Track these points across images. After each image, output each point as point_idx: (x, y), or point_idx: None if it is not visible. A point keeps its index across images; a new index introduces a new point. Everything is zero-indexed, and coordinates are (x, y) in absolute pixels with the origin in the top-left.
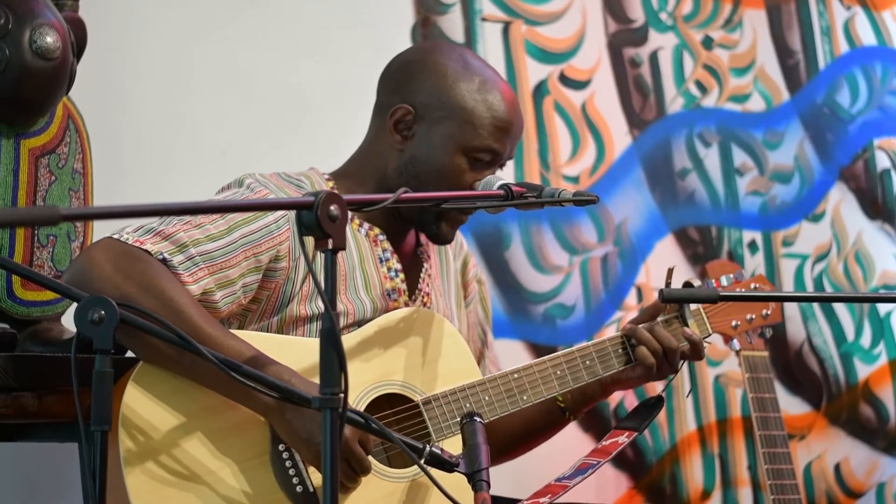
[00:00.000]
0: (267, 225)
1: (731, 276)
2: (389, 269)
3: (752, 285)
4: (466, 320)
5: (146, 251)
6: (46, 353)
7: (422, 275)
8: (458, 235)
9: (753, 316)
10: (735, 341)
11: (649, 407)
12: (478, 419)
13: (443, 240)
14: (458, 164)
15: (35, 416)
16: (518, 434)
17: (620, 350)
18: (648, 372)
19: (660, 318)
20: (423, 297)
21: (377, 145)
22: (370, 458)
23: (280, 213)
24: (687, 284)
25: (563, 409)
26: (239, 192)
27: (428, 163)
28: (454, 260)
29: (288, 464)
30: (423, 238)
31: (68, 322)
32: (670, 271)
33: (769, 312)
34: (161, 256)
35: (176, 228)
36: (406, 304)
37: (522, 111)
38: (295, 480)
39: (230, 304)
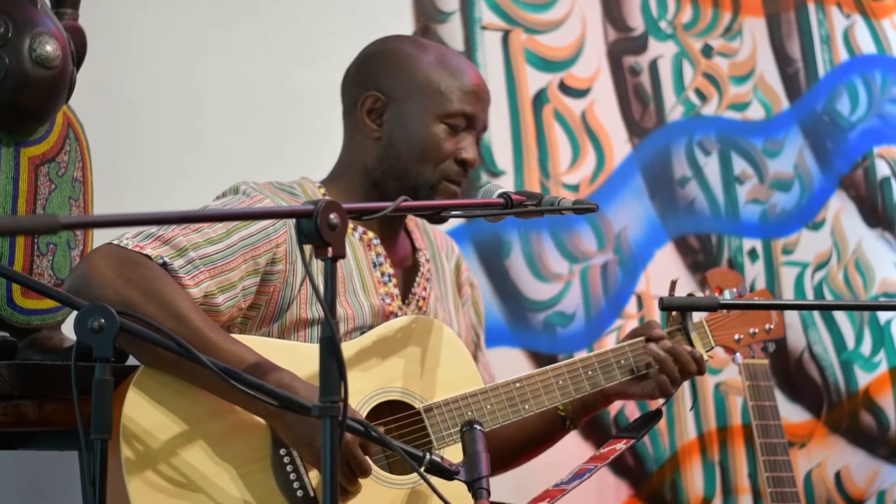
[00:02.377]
0: (264, 228)
1: (735, 290)
2: (383, 274)
3: (756, 300)
4: (464, 323)
5: (146, 256)
6: (46, 361)
7: (417, 279)
8: (449, 239)
9: (756, 330)
10: (738, 355)
11: (649, 419)
12: (478, 427)
13: (438, 218)
14: (436, 134)
15: (35, 425)
16: (518, 443)
17: (623, 361)
18: (663, 391)
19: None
20: (417, 301)
21: (355, 143)
22: (371, 462)
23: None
24: (689, 297)
25: (563, 418)
26: (235, 198)
27: (406, 140)
28: (447, 262)
29: (289, 468)
30: (417, 242)
31: (68, 330)
32: (673, 283)
33: (772, 327)
34: (161, 261)
35: (175, 233)
36: (399, 309)
37: (522, 119)
38: (296, 485)
39: (231, 308)
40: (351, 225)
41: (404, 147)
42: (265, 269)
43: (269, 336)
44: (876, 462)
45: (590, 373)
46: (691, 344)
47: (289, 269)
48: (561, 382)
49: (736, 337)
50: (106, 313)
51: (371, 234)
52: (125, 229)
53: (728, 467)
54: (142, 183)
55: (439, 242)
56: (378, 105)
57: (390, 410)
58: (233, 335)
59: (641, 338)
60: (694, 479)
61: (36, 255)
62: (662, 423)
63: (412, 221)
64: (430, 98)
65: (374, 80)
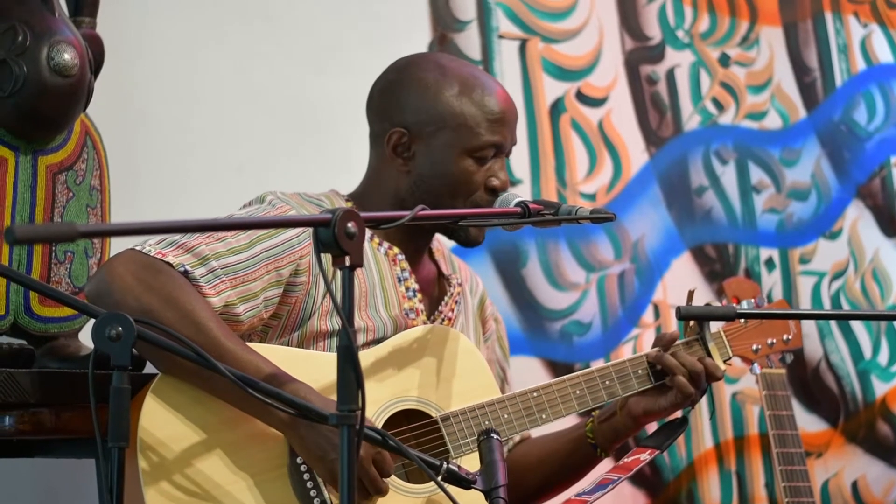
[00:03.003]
0: (288, 239)
1: (752, 300)
2: (407, 289)
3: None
4: (486, 356)
5: (168, 263)
6: (64, 369)
7: (446, 299)
8: (474, 275)
9: (774, 340)
10: (756, 365)
11: (673, 428)
12: (495, 436)
13: (473, 242)
14: (466, 168)
15: (53, 432)
16: (550, 474)
17: (640, 371)
18: (685, 399)
19: (680, 341)
20: (443, 320)
21: (384, 172)
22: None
23: (301, 227)
24: (707, 306)
25: (594, 446)
26: (260, 208)
27: (436, 176)
28: (472, 297)
29: (306, 476)
30: (444, 270)
31: (86, 338)
32: (691, 293)
33: (790, 338)
34: (183, 269)
35: (198, 241)
36: (424, 325)
37: (539, 128)
38: (312, 493)
39: (252, 318)
40: (376, 240)
41: (435, 184)
42: (288, 280)
43: (288, 345)
44: (893, 472)
45: (607, 382)
46: (709, 354)
47: (312, 280)
48: (578, 392)
49: (754, 347)
50: (123, 321)
51: (396, 250)
52: (143, 237)
53: (745, 477)
54: (158, 191)
55: (464, 275)
56: (404, 140)
57: (407, 419)
58: (251, 344)
59: (658, 348)
60: (711, 488)
61: (53, 263)
62: None
63: (439, 252)
64: (455, 133)
65: (399, 115)
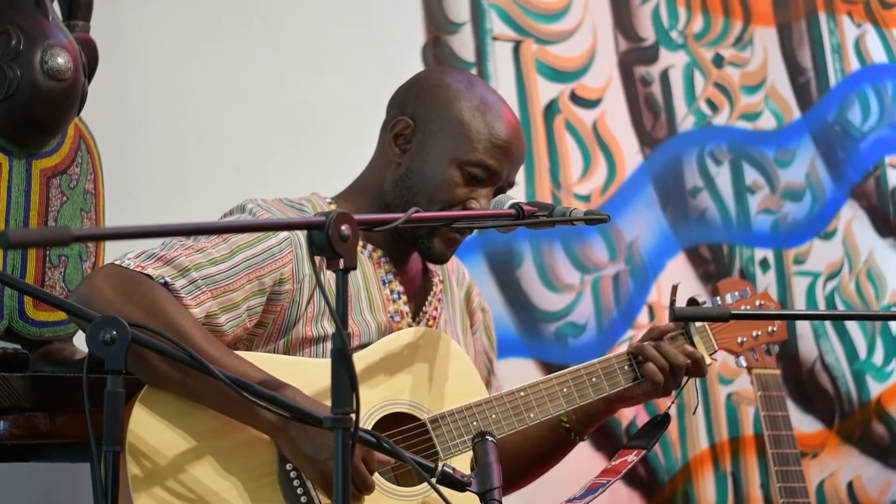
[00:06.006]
0: (269, 248)
1: (737, 293)
2: (392, 292)
3: (758, 302)
4: (473, 348)
5: (148, 275)
6: (58, 373)
7: (429, 298)
8: (461, 265)
9: (759, 333)
10: (741, 358)
11: (657, 425)
12: (489, 438)
13: (437, 258)
14: (452, 178)
15: (47, 437)
16: (526, 459)
17: (626, 367)
18: (655, 388)
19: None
20: (428, 320)
21: (379, 161)
22: (376, 475)
23: (283, 235)
24: (692, 301)
25: (568, 430)
26: (241, 217)
27: (422, 174)
28: (458, 288)
29: (296, 483)
30: (431, 265)
31: (80, 342)
32: (674, 288)
33: (775, 329)
34: (163, 280)
35: (177, 253)
36: (409, 326)
37: (533, 130)
38: (303, 500)
39: (235, 328)
40: (360, 243)
41: (418, 181)
42: (272, 289)
43: (274, 352)
44: (889, 472)
45: (594, 379)
46: (695, 348)
47: (296, 287)
48: (565, 390)
49: (739, 340)
50: (118, 325)
51: (380, 252)
52: (137, 241)
53: (740, 478)
54: (153, 194)
55: (450, 266)
56: (407, 131)
57: (396, 422)
58: (236, 352)
59: (645, 343)
60: (706, 489)
61: (48, 267)
62: (674, 434)
63: None
64: (456, 140)
65: (412, 107)
